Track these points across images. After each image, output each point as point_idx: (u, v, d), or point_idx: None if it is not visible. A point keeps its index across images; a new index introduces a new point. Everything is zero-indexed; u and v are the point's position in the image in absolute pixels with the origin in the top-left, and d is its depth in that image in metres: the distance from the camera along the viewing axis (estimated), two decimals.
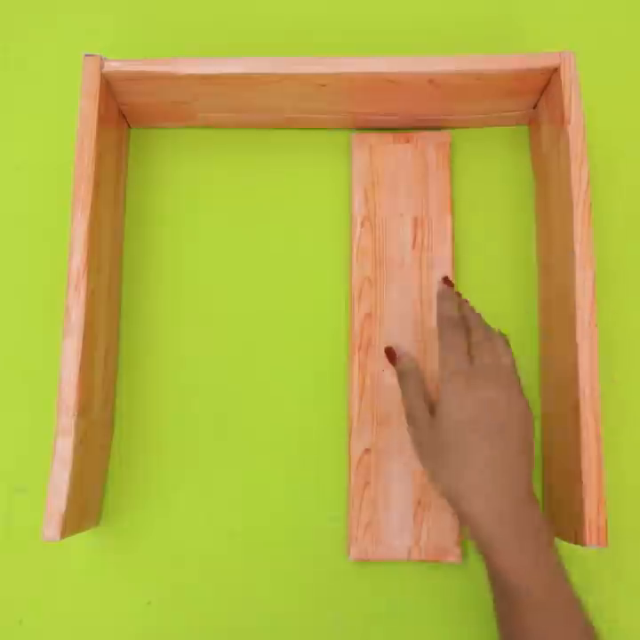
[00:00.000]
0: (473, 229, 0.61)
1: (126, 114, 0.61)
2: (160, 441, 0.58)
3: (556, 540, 0.49)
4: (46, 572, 0.56)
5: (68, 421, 0.50)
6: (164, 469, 0.58)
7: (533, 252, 0.61)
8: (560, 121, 0.55)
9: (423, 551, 0.54)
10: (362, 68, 0.55)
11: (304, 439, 0.58)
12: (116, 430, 0.58)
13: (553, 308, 0.56)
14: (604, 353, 0.54)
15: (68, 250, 0.52)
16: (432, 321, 0.58)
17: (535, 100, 0.59)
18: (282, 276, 0.61)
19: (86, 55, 0.55)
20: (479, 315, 0.55)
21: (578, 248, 0.52)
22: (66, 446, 0.50)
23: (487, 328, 0.54)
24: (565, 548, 0.54)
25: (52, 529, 0.49)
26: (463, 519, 0.48)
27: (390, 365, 0.56)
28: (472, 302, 0.59)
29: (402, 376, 0.55)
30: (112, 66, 0.55)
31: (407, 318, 0.58)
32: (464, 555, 0.55)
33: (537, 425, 0.58)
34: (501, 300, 0.60)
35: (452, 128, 0.62)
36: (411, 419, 0.52)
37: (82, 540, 0.56)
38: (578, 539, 0.49)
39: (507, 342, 0.53)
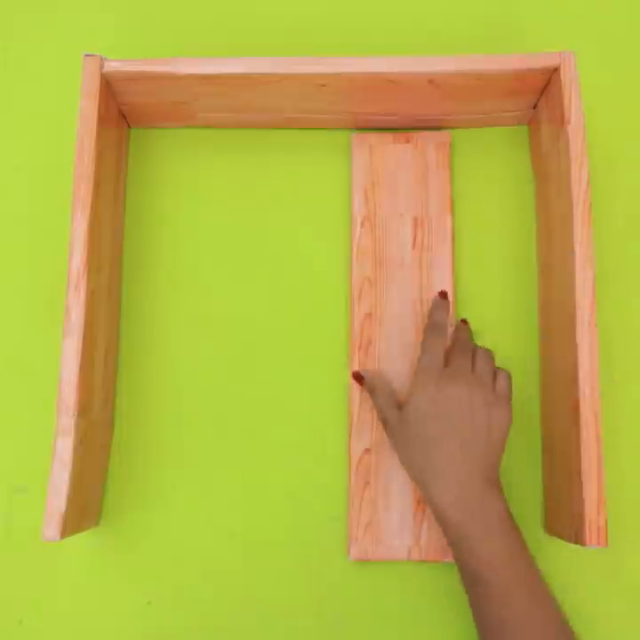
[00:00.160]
0: (473, 229, 0.61)
1: (126, 114, 0.61)
2: (160, 441, 0.58)
3: (553, 539, 0.49)
4: (46, 572, 0.56)
5: (67, 421, 0.50)
6: (163, 469, 0.58)
7: (533, 252, 0.61)
8: (560, 121, 0.55)
9: (423, 551, 0.54)
10: (362, 67, 0.55)
11: (304, 439, 0.58)
12: (116, 430, 0.58)
13: (553, 308, 0.56)
14: (604, 353, 0.55)
15: (67, 250, 0.52)
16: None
17: (535, 100, 0.59)
18: (282, 276, 0.61)
19: (86, 55, 0.55)
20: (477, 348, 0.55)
21: (578, 248, 0.52)
22: (66, 446, 0.50)
23: (485, 355, 0.55)
24: (565, 548, 0.54)
25: (52, 529, 0.49)
26: (430, 506, 0.50)
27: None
28: (472, 303, 0.60)
29: (371, 390, 0.56)
30: (112, 66, 0.55)
31: (407, 318, 0.58)
32: None
33: (537, 425, 0.58)
34: (501, 299, 0.60)
35: (452, 128, 0.62)
36: (383, 420, 0.54)
37: (82, 540, 0.56)
38: (578, 539, 0.49)
39: (508, 376, 0.54)
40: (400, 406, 0.53)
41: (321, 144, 0.63)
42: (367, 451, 0.56)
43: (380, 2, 0.66)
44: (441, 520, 0.49)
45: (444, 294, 0.57)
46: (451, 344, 0.55)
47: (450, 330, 0.56)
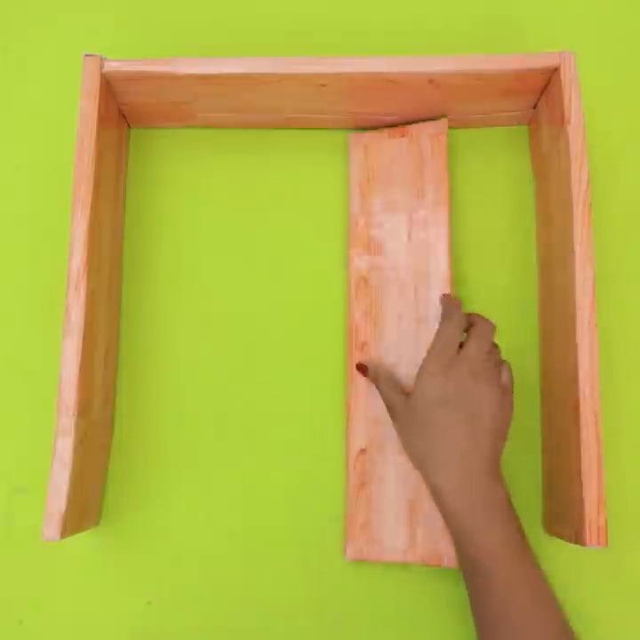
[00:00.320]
0: (473, 229, 0.61)
1: (126, 114, 0.61)
2: (160, 441, 0.58)
3: (554, 535, 0.49)
4: (46, 572, 0.56)
5: (67, 421, 0.50)
6: (163, 469, 0.58)
7: (533, 252, 0.61)
8: (560, 121, 0.55)
9: (419, 554, 0.54)
10: (362, 67, 0.55)
11: (304, 438, 0.58)
12: (116, 430, 0.58)
13: (553, 308, 0.56)
14: (604, 353, 0.54)
15: (67, 250, 0.52)
16: (428, 318, 0.57)
17: (535, 100, 0.59)
18: (281, 276, 0.61)
19: (86, 55, 0.55)
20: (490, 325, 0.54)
21: (578, 248, 0.52)
22: (66, 446, 0.50)
23: (495, 346, 0.53)
24: (565, 548, 0.54)
25: (52, 529, 0.49)
26: (431, 491, 0.50)
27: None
28: (472, 303, 0.60)
29: (375, 378, 0.56)
30: (112, 66, 0.55)
31: (404, 316, 0.58)
32: None
33: (537, 425, 0.58)
34: (501, 299, 0.60)
35: (452, 128, 0.62)
36: (388, 405, 0.54)
37: (82, 540, 0.56)
38: (578, 539, 0.49)
39: (510, 368, 0.53)
40: (405, 392, 0.53)
41: (321, 144, 0.63)
42: (363, 451, 0.56)
43: (380, 2, 0.66)
44: (442, 507, 0.49)
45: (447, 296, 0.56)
46: (467, 332, 0.53)
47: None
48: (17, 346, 0.60)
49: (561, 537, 0.52)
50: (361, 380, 0.57)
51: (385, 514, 0.55)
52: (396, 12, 0.66)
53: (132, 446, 0.58)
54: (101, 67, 0.55)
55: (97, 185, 0.54)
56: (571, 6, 0.66)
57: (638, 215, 0.61)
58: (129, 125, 0.63)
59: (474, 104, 0.59)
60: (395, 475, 0.55)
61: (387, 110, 0.60)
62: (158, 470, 0.58)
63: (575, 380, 0.50)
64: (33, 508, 0.55)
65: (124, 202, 0.62)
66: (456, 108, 0.60)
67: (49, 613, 0.56)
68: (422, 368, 0.52)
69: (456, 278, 0.60)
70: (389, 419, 0.54)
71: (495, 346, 0.53)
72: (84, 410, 0.52)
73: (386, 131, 0.61)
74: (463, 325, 0.52)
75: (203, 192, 0.62)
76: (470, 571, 0.49)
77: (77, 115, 0.54)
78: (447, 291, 0.57)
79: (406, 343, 0.57)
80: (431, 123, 0.60)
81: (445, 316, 0.53)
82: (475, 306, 0.59)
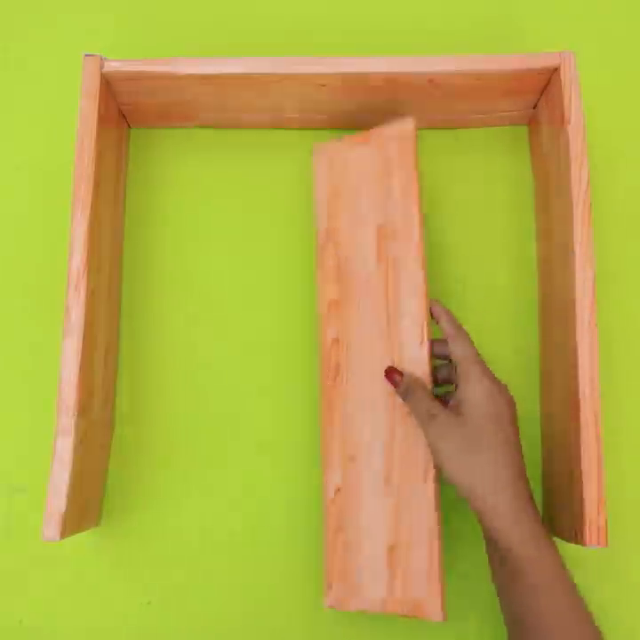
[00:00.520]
0: (473, 229, 0.61)
1: (126, 114, 0.61)
2: (160, 441, 0.58)
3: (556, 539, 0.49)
4: (46, 572, 0.56)
5: (68, 421, 0.50)
6: (163, 469, 0.58)
7: (533, 252, 0.61)
8: (560, 121, 0.55)
9: (399, 604, 0.49)
10: (362, 67, 0.55)
11: (303, 438, 0.58)
12: (116, 430, 0.58)
13: (553, 308, 0.56)
14: (604, 353, 0.54)
15: (68, 250, 0.52)
16: (401, 333, 0.52)
17: (535, 100, 0.59)
18: (281, 276, 0.61)
19: (86, 55, 0.55)
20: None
21: (578, 248, 0.52)
22: (66, 446, 0.50)
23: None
24: (565, 547, 0.54)
25: (52, 529, 0.49)
26: (472, 507, 0.48)
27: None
28: (472, 303, 0.60)
29: (407, 391, 0.51)
30: (112, 66, 0.55)
31: (376, 336, 0.53)
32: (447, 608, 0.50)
33: (537, 425, 0.58)
34: (501, 299, 0.60)
35: (452, 128, 0.62)
36: (427, 414, 0.49)
37: (82, 540, 0.56)
38: (578, 539, 0.49)
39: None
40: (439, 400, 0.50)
41: None
42: (339, 490, 0.52)
43: (380, 2, 0.66)
44: (481, 521, 0.48)
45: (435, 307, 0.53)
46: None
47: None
48: (17, 346, 0.60)
49: (561, 537, 0.52)
50: (336, 409, 0.53)
51: (363, 560, 0.51)
52: (396, 12, 0.66)
53: (132, 446, 0.58)
54: (101, 67, 0.55)
55: (97, 185, 0.54)
56: (571, 6, 0.66)
57: (638, 215, 0.61)
58: (129, 125, 0.63)
59: (474, 104, 0.59)
60: (373, 516, 0.51)
61: (387, 110, 0.60)
62: (158, 470, 0.58)
63: (575, 380, 0.50)
64: (33, 507, 0.55)
65: (124, 202, 0.62)
66: (456, 108, 0.60)
67: (49, 613, 0.56)
68: (464, 374, 0.49)
69: (457, 278, 0.60)
70: (365, 457, 0.52)
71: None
72: (83, 410, 0.52)
73: (347, 138, 0.57)
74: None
75: (203, 192, 0.62)
76: (499, 563, 0.48)
77: (77, 115, 0.54)
78: (422, 306, 0.52)
79: (378, 369, 0.52)
80: (396, 125, 0.55)
81: (456, 326, 0.52)
82: (475, 306, 0.59)
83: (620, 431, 0.57)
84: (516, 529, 0.46)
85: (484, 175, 0.62)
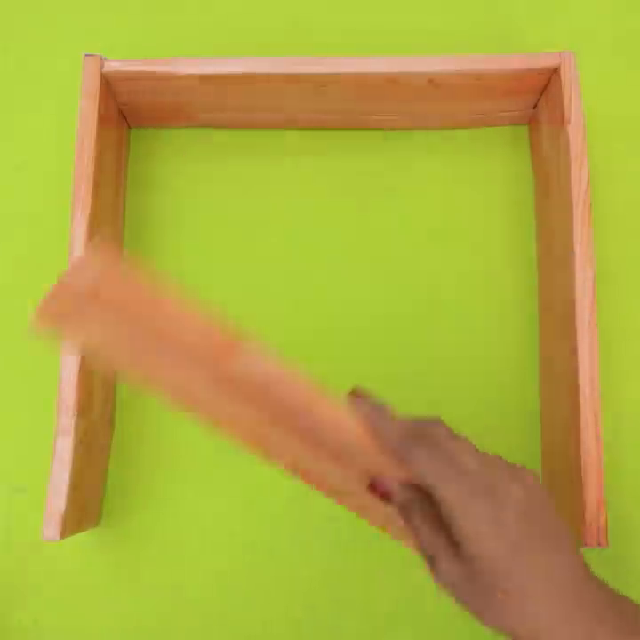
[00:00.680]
0: (473, 229, 0.61)
1: (126, 114, 0.61)
2: (160, 441, 0.58)
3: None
4: (46, 572, 0.56)
5: (67, 421, 0.50)
6: (163, 469, 0.58)
7: (533, 252, 0.61)
8: (560, 121, 0.55)
9: None
10: (362, 67, 0.55)
11: None
12: (116, 430, 0.58)
13: (553, 308, 0.56)
14: (604, 353, 0.54)
15: (67, 250, 0.52)
16: None
17: (535, 100, 0.59)
18: (281, 276, 0.61)
19: (86, 55, 0.55)
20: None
21: (578, 248, 0.52)
22: (66, 446, 0.50)
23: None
24: None
25: (52, 529, 0.49)
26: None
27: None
28: (472, 303, 0.59)
29: (403, 510, 0.39)
30: (112, 66, 0.55)
31: None
32: None
33: (536, 425, 0.58)
34: (501, 299, 0.60)
35: (452, 128, 0.62)
36: (429, 561, 0.38)
37: (82, 540, 0.56)
38: (578, 539, 0.49)
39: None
40: (452, 541, 0.37)
41: (321, 144, 0.63)
42: None
43: (380, 2, 0.66)
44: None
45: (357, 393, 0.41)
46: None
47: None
48: (17, 346, 0.60)
49: None
50: None
51: None
52: (396, 11, 0.66)
53: (132, 446, 0.58)
54: (101, 67, 0.55)
55: (97, 185, 0.54)
56: (571, 6, 0.66)
57: (638, 215, 0.61)
58: (129, 125, 0.63)
59: (474, 104, 0.59)
60: None
61: (387, 110, 0.60)
62: (158, 470, 0.58)
63: (575, 380, 0.50)
64: (33, 507, 0.55)
65: (124, 202, 0.62)
66: (456, 108, 0.60)
67: (48, 613, 0.56)
68: (454, 503, 0.36)
69: (457, 278, 0.60)
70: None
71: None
72: (83, 410, 0.52)
73: None
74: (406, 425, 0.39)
75: (203, 192, 0.62)
76: None
77: (77, 115, 0.54)
78: None
79: None
80: None
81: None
82: (475, 306, 0.59)
83: (620, 431, 0.57)
84: None
85: (484, 175, 0.62)
